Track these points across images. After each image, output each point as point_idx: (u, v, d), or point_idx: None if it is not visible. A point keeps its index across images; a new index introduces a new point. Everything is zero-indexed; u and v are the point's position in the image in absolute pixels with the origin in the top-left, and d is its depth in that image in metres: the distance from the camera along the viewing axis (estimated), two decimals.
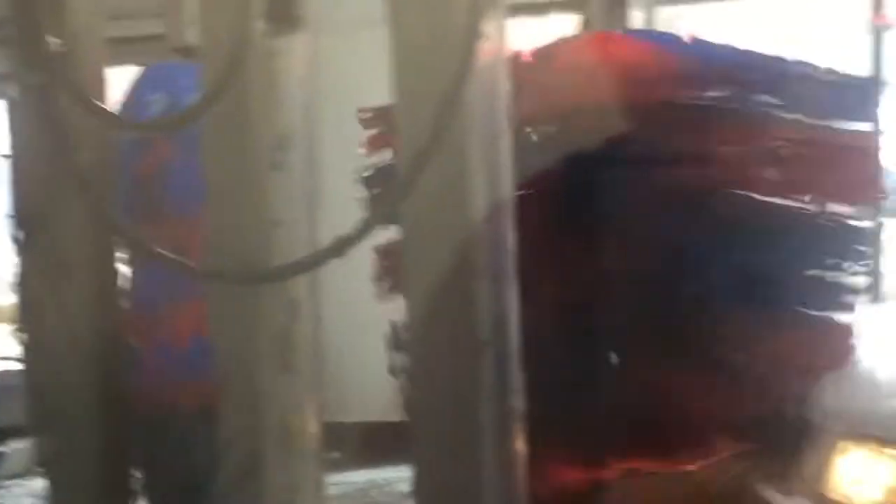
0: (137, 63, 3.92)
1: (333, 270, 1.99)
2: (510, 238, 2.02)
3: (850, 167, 2.73)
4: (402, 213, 2.00)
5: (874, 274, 5.75)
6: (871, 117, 2.81)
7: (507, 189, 2.06)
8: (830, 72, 2.79)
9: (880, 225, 5.73)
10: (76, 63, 2.17)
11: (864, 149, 2.78)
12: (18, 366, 4.07)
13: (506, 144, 2.09)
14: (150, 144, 3.57)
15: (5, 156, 3.37)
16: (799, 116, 2.70)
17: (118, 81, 3.10)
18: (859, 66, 5.73)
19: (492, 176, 2.01)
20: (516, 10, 2.20)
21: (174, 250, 2.11)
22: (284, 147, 2.02)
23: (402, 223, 2.02)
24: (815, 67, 2.77)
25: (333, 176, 2.69)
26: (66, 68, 2.11)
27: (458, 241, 1.96)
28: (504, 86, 2.11)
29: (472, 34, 1.87)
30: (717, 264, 2.67)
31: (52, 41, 2.08)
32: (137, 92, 3.70)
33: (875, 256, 5.75)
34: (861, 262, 2.78)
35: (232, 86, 1.95)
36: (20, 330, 3.90)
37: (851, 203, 2.74)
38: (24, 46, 2.15)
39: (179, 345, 3.45)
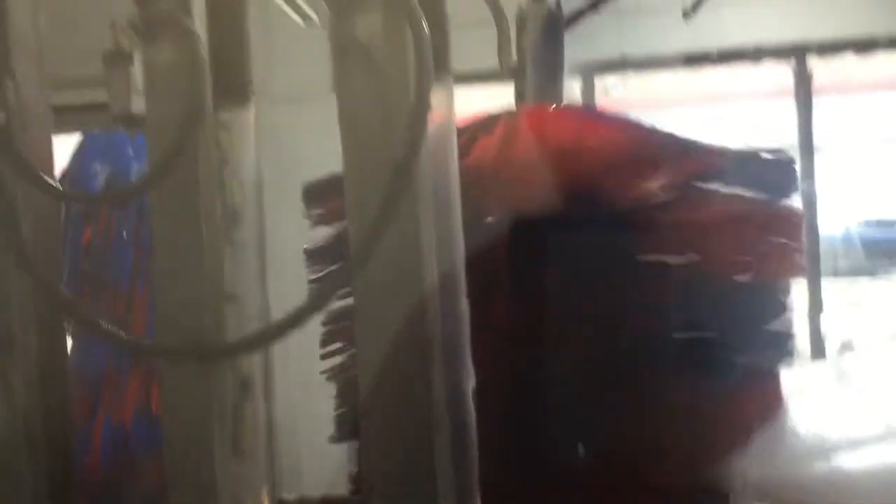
0: (80, 131, 3.88)
1: (285, 343, 1.96)
2: (464, 308, 2.02)
3: (775, 241, 2.82)
4: (354, 285, 1.98)
5: (815, 333, 5.89)
6: (792, 192, 2.93)
7: (460, 259, 2.05)
8: (751, 151, 2.90)
9: (818, 287, 5.88)
10: (21, 135, 2.13)
11: (787, 223, 2.88)
12: None
13: (457, 214, 2.09)
14: (93, 215, 3.52)
15: None
16: (727, 192, 2.78)
17: (61, 150, 3.06)
18: (787, 135, 5.90)
19: (444, 246, 2.01)
20: (458, 80, 2.23)
21: (116, 322, 2.06)
22: (236, 221, 2.00)
23: (353, 296, 2.01)
24: (738, 149, 2.88)
25: (282, 250, 2.68)
26: (9, 139, 2.08)
27: (411, 312, 1.94)
28: (453, 155, 2.12)
29: (421, 105, 1.88)
30: (656, 330, 2.70)
31: None
32: (80, 160, 3.66)
33: (814, 316, 5.89)
34: (787, 327, 2.87)
35: (181, 158, 1.93)
36: None
37: (778, 274, 2.83)
38: None
39: (122, 422, 3.38)
